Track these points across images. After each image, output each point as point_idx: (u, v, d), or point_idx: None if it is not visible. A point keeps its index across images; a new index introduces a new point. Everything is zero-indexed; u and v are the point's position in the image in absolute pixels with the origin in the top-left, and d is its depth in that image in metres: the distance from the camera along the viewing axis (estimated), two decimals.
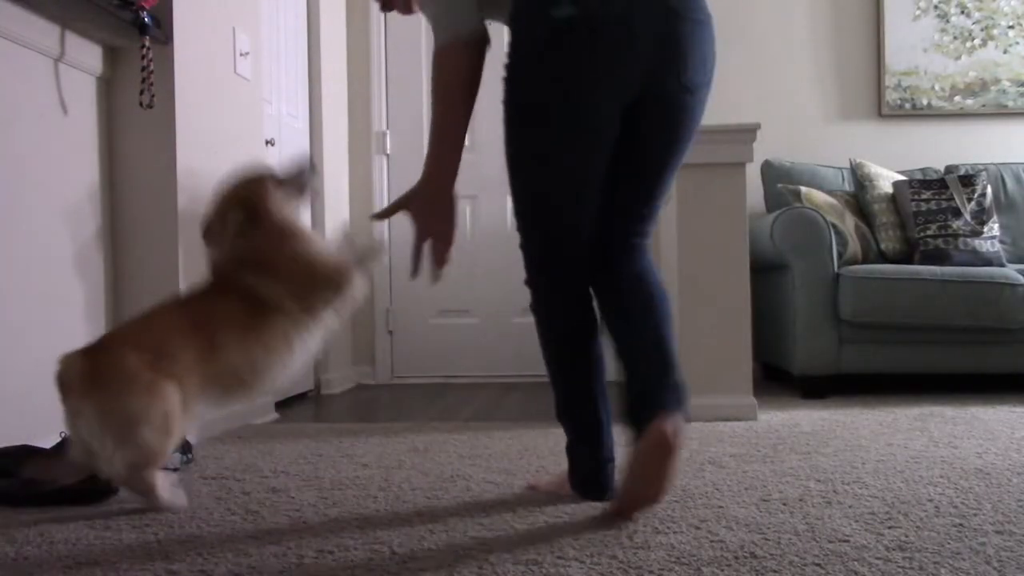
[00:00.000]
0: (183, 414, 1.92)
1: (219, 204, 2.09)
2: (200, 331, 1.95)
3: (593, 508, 1.91)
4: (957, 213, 4.03)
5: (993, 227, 4.05)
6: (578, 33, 1.73)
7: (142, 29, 2.59)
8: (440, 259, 1.91)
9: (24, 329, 2.40)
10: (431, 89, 1.89)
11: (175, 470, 2.34)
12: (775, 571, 1.47)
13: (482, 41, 1.88)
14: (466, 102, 1.88)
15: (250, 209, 2.05)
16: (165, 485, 1.94)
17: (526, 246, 1.94)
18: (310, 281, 2.03)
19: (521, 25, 1.81)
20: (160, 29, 2.70)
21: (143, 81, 2.62)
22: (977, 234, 4.00)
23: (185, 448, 2.42)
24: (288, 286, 2.01)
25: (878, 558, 1.54)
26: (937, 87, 4.67)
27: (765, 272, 4.03)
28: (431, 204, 1.90)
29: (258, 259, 2.02)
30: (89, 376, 1.84)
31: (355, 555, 1.60)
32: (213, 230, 2.08)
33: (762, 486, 2.09)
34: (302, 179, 2.18)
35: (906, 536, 1.67)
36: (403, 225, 4.67)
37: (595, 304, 1.95)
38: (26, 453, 2.14)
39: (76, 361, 1.86)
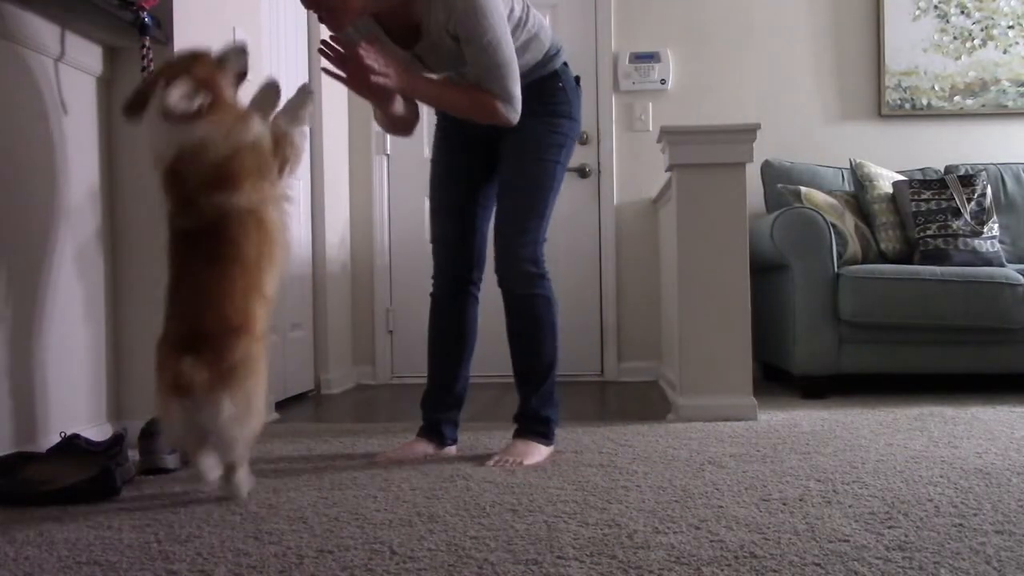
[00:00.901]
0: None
1: (179, 81, 1.99)
2: (248, 279, 1.97)
3: (593, 508, 1.91)
4: (957, 213, 4.03)
5: (993, 227, 4.05)
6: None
7: (142, 29, 2.59)
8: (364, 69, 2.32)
9: (24, 329, 2.40)
10: (456, 100, 2.41)
11: (173, 471, 2.34)
12: (775, 571, 1.47)
13: None
14: (450, 119, 2.58)
15: (212, 91, 2.02)
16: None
17: (542, 240, 2.55)
18: (267, 165, 2.07)
19: (575, 96, 2.56)
20: (160, 29, 2.70)
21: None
22: (977, 234, 4.00)
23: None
24: (255, 182, 2.02)
25: (878, 558, 1.54)
26: (937, 87, 4.67)
27: (765, 272, 4.03)
28: (398, 68, 2.34)
29: (222, 174, 1.98)
30: (218, 373, 1.86)
31: (355, 555, 1.60)
32: (176, 109, 1.96)
33: (762, 486, 2.09)
34: (241, 61, 2.17)
35: (906, 536, 1.67)
36: (404, 226, 4.70)
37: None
38: (24, 458, 2.14)
39: (193, 362, 1.85)
